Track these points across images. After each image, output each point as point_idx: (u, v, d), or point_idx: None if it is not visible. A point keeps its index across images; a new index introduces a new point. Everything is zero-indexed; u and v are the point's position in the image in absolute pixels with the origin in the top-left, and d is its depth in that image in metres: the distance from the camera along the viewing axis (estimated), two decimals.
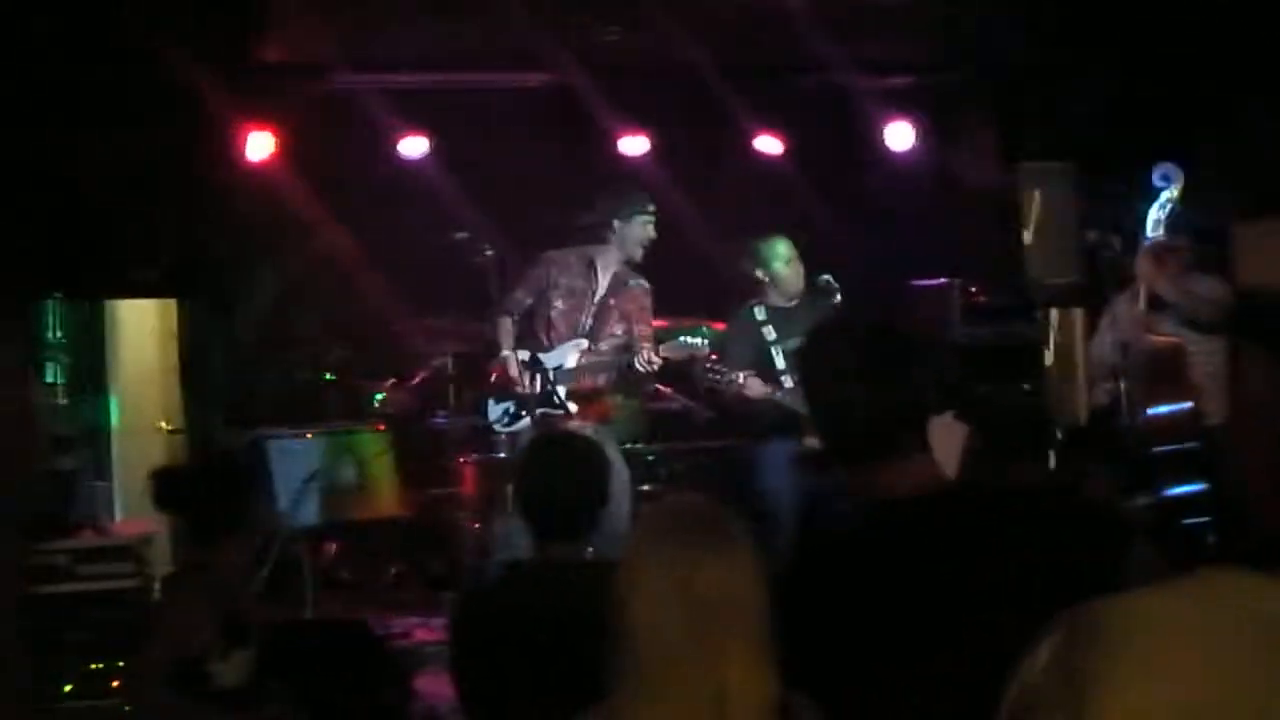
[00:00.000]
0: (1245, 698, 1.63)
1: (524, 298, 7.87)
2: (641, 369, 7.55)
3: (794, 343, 7.60)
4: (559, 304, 7.81)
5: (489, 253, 7.89)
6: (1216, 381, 7.17)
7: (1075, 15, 8.80)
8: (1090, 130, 9.36)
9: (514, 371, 7.71)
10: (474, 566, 8.18)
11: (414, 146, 9.47)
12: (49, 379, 8.74)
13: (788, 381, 7.52)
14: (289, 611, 7.57)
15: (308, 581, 7.85)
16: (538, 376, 7.67)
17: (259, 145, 8.54)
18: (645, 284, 7.95)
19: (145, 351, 9.41)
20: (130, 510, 8.43)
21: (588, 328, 7.83)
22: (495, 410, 7.86)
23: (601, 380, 7.88)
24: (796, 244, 8.00)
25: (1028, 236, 9.81)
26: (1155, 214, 7.22)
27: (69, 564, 6.74)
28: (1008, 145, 9.99)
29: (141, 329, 9.38)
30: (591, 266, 7.87)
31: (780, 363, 7.70)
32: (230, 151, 8.47)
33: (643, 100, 9.67)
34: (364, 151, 9.42)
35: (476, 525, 8.44)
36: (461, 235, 7.87)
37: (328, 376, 9.34)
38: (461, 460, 8.61)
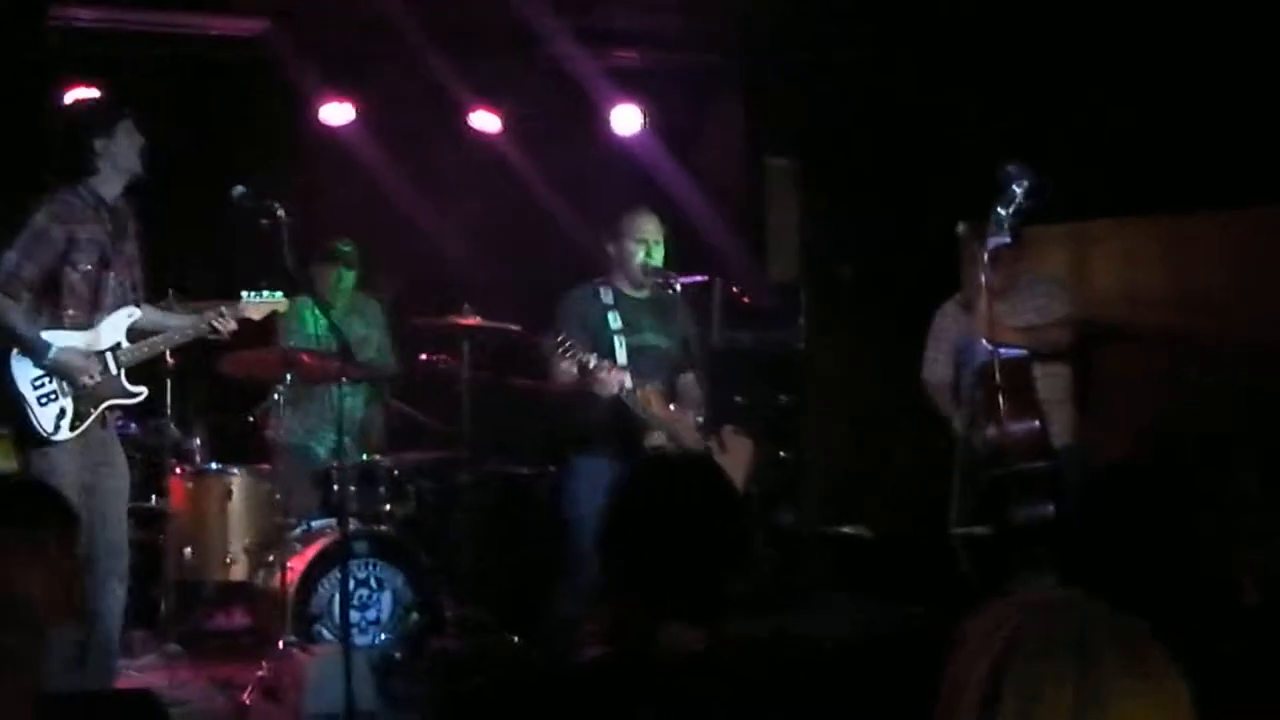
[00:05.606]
0: None
1: (34, 265, 5.70)
2: (220, 330, 6.00)
3: (641, 339, 6.40)
4: (84, 264, 5.79)
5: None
6: (1062, 404, 6.72)
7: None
8: (839, 130, 8.71)
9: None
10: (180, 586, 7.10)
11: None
12: None
13: (629, 381, 6.22)
14: None
15: None
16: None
17: None
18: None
19: None
20: None
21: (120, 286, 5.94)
22: (45, 416, 5.68)
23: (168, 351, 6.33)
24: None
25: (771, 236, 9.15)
26: (1003, 214, 6.40)
27: None
28: (753, 140, 9.23)
29: None
30: (101, 203, 5.84)
31: (623, 358, 6.32)
32: None
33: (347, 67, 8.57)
34: None
35: (187, 549, 7.11)
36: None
37: None
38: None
